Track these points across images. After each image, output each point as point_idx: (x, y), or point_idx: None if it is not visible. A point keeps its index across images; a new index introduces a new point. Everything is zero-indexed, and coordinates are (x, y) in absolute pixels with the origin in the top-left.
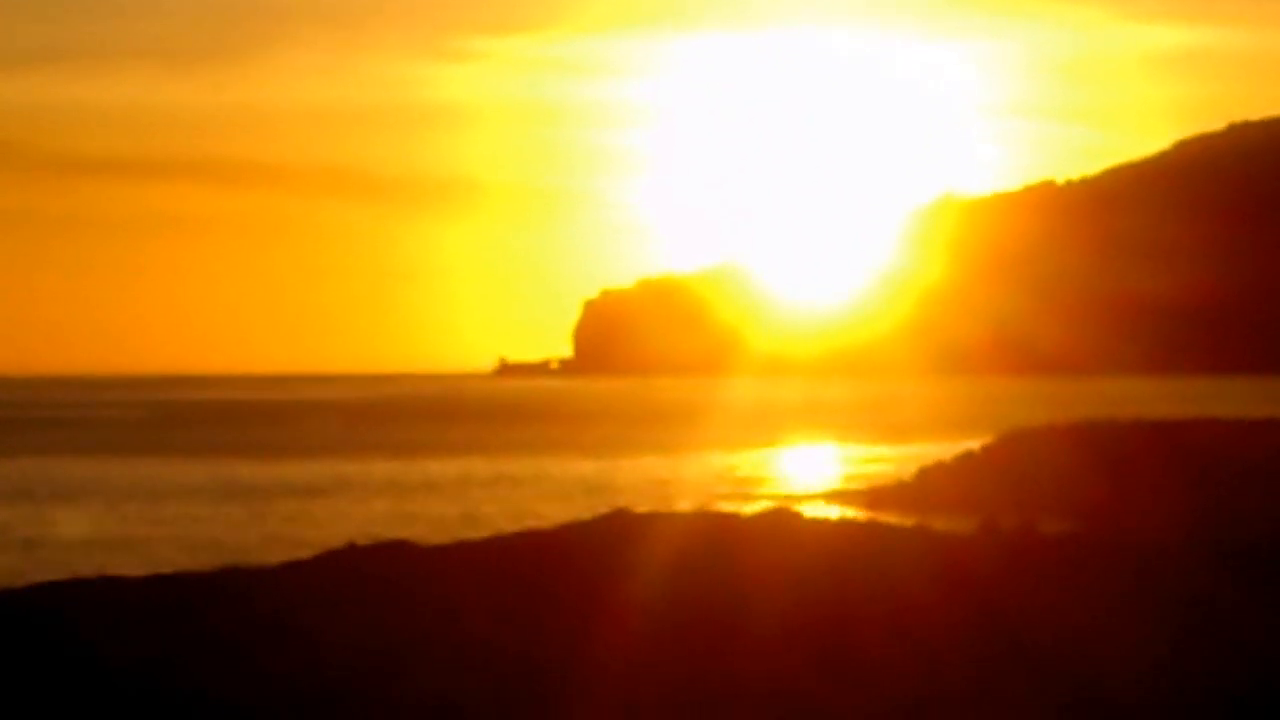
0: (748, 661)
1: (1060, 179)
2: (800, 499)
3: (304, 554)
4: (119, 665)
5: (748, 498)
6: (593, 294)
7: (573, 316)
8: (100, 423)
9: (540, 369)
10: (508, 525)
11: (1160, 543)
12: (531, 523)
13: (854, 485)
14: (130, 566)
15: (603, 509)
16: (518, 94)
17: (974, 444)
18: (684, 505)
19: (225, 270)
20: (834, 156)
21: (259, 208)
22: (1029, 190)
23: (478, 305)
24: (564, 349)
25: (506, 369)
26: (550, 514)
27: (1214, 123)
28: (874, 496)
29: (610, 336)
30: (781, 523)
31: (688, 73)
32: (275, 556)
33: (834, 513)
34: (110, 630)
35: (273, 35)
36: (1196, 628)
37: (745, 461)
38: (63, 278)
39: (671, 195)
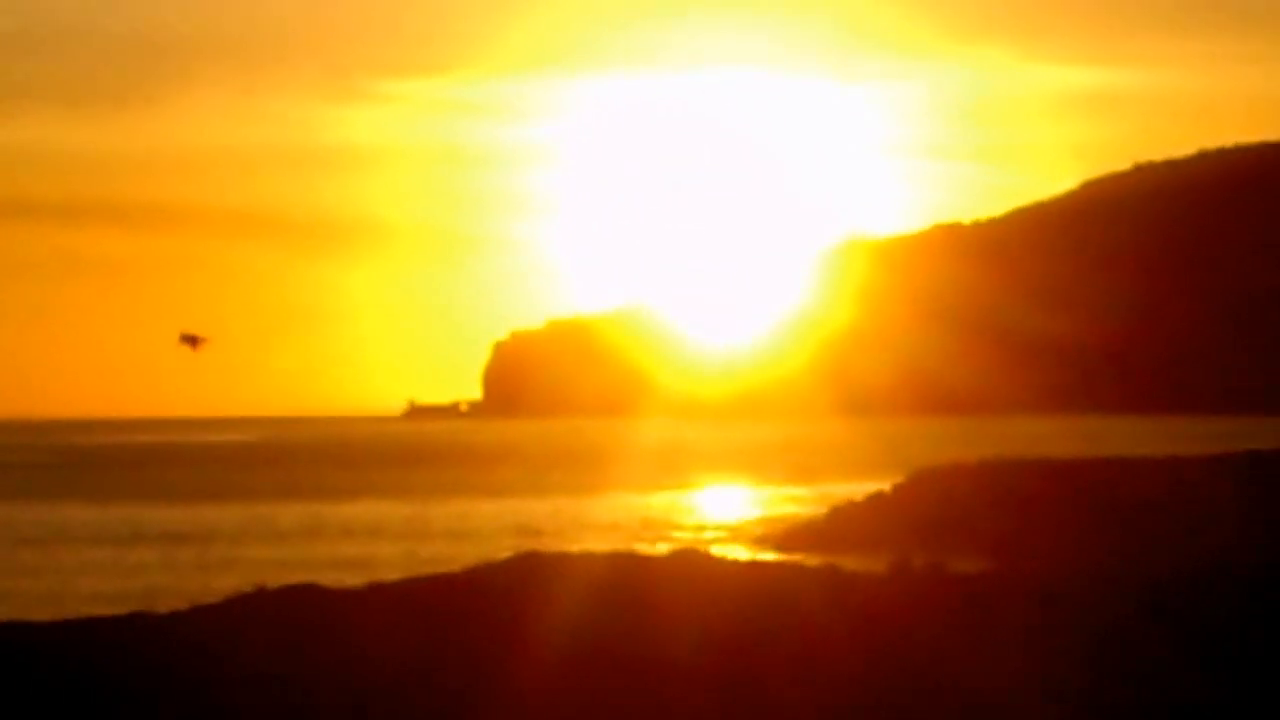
0: (656, 701)
1: (966, 219)
2: (711, 539)
3: (212, 599)
4: (25, 712)
5: (658, 538)
6: (502, 335)
7: (482, 358)
8: (5, 467)
9: (450, 411)
10: (418, 568)
11: (1066, 580)
12: (441, 566)
13: (765, 525)
14: (35, 612)
15: (512, 551)
16: (425, 136)
17: (884, 484)
18: (594, 546)
19: (133, 312)
20: (741, 197)
21: (165, 250)
22: (936, 230)
23: (387, 347)
24: (473, 391)
25: (416, 411)
26: (460, 556)
27: (1118, 163)
28: (785, 536)
29: (520, 378)
30: (692, 563)
31: (594, 114)
32: (183, 601)
33: (744, 553)
34: (16, 677)
35: (180, 77)
36: (1104, 663)
37: (656, 502)
38: None
39: (579, 236)
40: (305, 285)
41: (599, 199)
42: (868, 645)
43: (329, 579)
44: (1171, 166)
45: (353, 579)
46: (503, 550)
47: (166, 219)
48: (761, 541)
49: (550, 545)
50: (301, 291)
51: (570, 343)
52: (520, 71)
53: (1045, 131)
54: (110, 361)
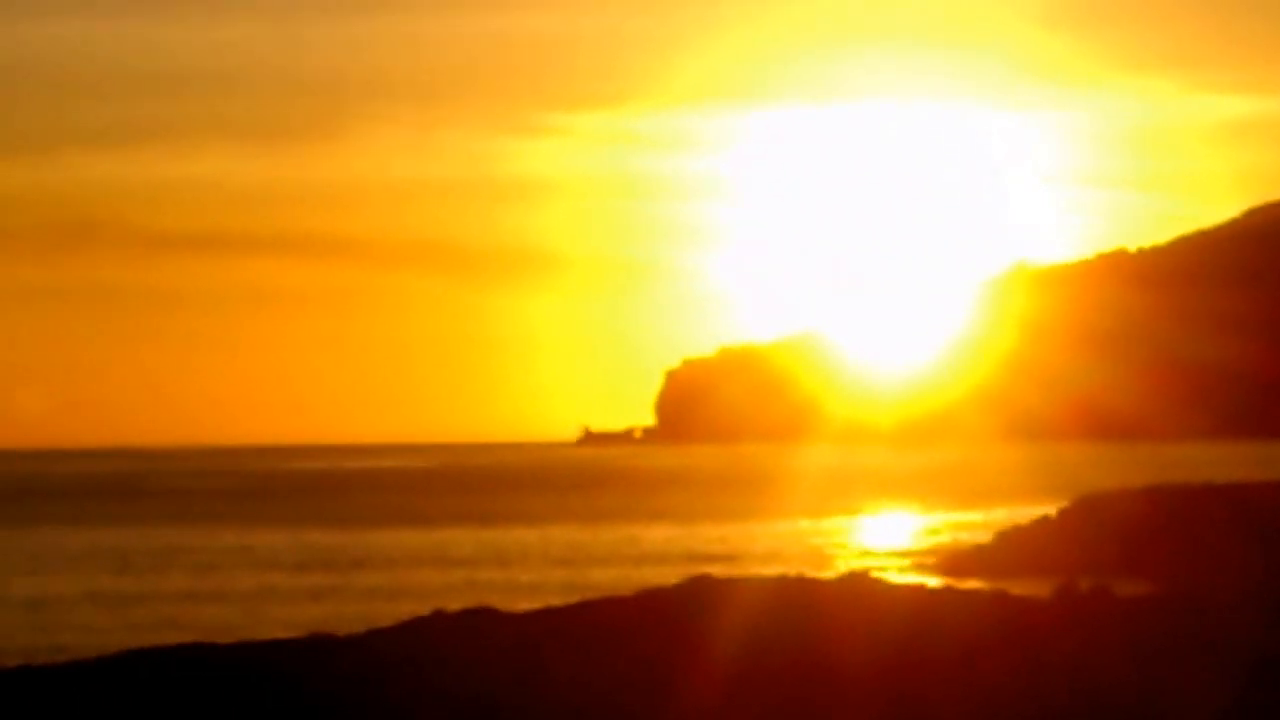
0: None
1: (1132, 247)
2: (878, 564)
3: (389, 623)
4: None
5: (827, 563)
6: (674, 363)
7: (655, 385)
8: (192, 493)
9: (623, 437)
10: (591, 592)
11: (1231, 603)
12: (613, 590)
13: (931, 550)
14: (218, 633)
15: (684, 574)
16: (597, 168)
17: (1050, 509)
18: (765, 570)
19: (314, 342)
20: (909, 227)
21: (345, 281)
22: (1101, 258)
23: (561, 375)
24: (646, 417)
25: (590, 437)
26: (633, 580)
27: None
28: (951, 561)
29: (691, 405)
30: (860, 588)
31: (764, 145)
32: (360, 625)
33: (912, 578)
34: (201, 698)
35: (359, 113)
36: (1267, 685)
37: (825, 527)
38: (155, 351)
39: (750, 266)
40: (481, 314)
41: (769, 228)
42: (1033, 667)
43: (504, 603)
44: None
45: (527, 603)
46: (674, 574)
47: (346, 250)
48: (929, 567)
49: (721, 569)
50: (477, 320)
51: (741, 370)
52: (690, 104)
53: (1209, 159)
54: (291, 390)
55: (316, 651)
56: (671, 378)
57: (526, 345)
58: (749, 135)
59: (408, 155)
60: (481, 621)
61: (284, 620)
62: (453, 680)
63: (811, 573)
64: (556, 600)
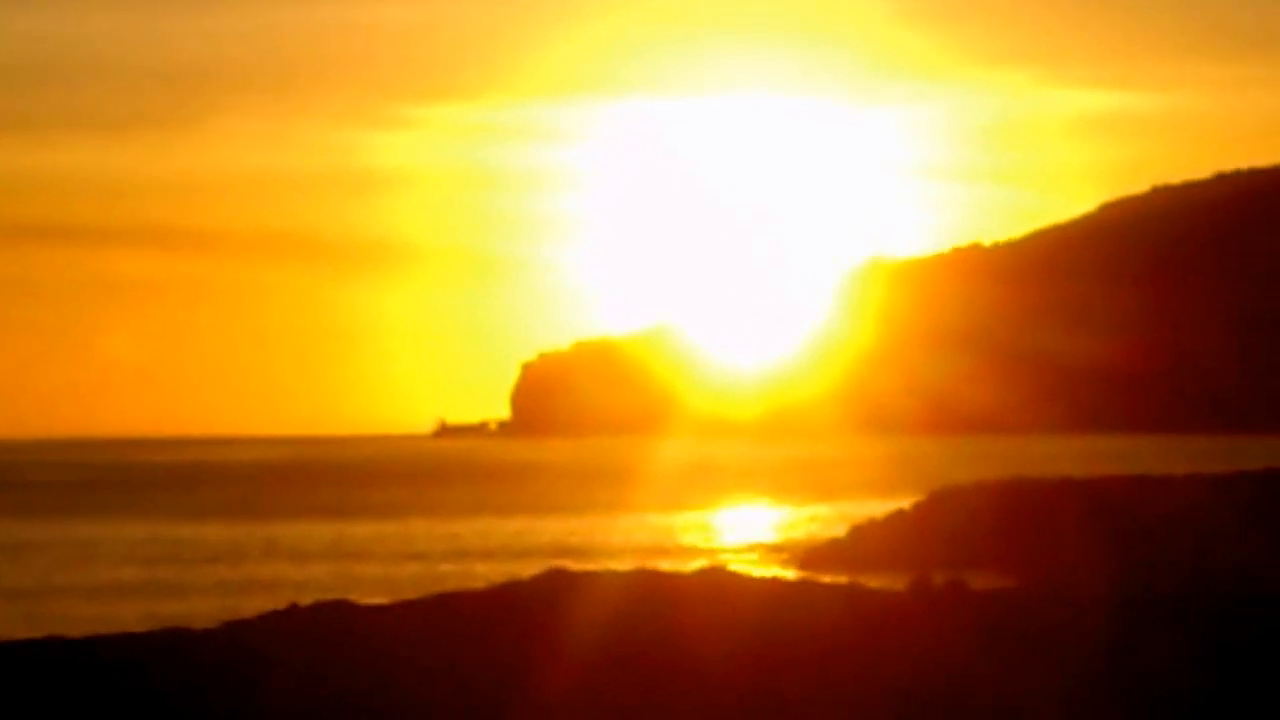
0: (679, 715)
1: (987, 241)
2: (735, 557)
3: (245, 615)
4: None
5: (683, 556)
6: (530, 356)
7: (510, 379)
8: (42, 485)
9: (479, 430)
10: (446, 585)
11: (1085, 596)
12: (470, 582)
13: (787, 544)
14: (69, 627)
15: (540, 568)
16: (453, 160)
17: (905, 502)
18: (620, 564)
19: (169, 334)
20: (765, 220)
21: (200, 272)
22: (956, 252)
23: (416, 368)
24: (502, 410)
25: (445, 430)
26: (488, 573)
27: (1137, 185)
28: (808, 555)
29: (548, 398)
30: (716, 581)
31: (620, 138)
32: (215, 620)
33: (768, 571)
34: (52, 691)
35: (213, 104)
36: (1121, 678)
37: (681, 521)
38: (7, 342)
39: (606, 258)
40: (337, 306)
41: (625, 221)
42: (889, 661)
43: (359, 597)
44: (1189, 188)
45: (382, 597)
46: (529, 568)
47: (200, 241)
48: (785, 560)
49: (577, 563)
50: (333, 312)
51: (597, 363)
52: (546, 96)
53: (1064, 154)
54: (146, 382)
55: (170, 645)
56: (527, 371)
57: (382, 338)
58: (605, 128)
59: (264, 146)
60: (336, 615)
61: (138, 614)
62: (307, 674)
63: (667, 566)
64: (411, 594)
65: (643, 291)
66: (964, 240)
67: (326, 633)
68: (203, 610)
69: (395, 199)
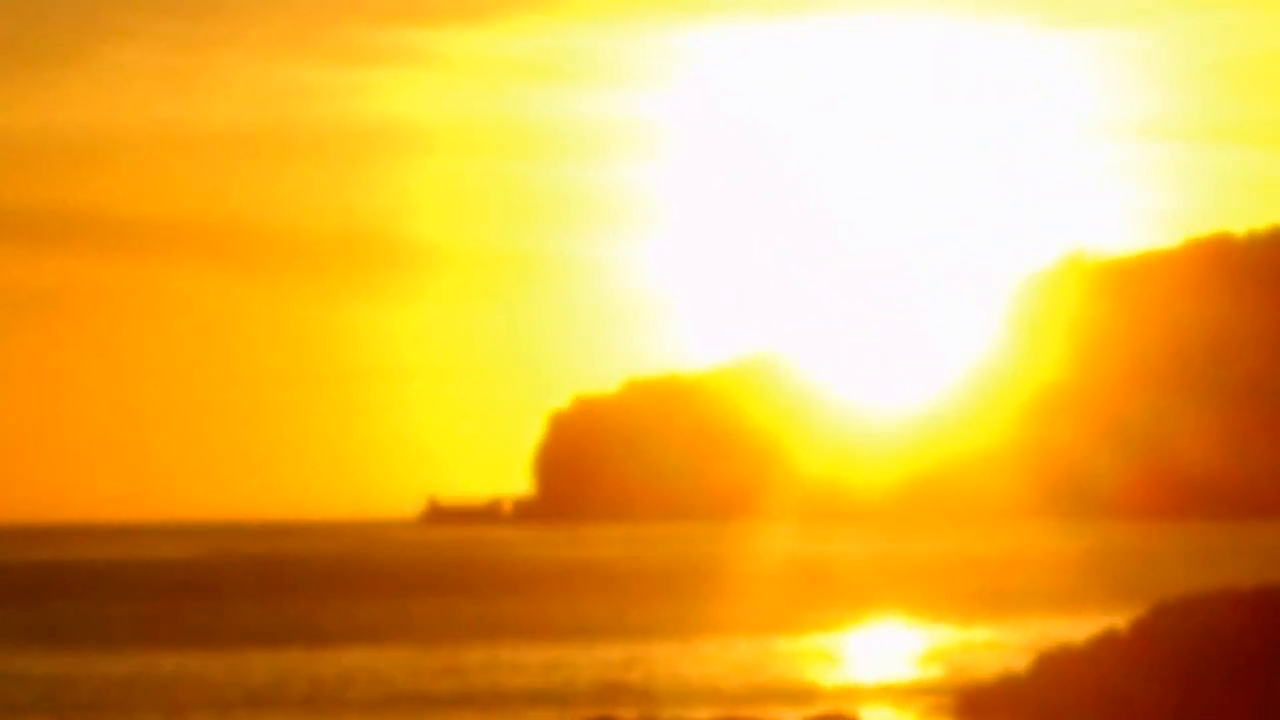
0: None
1: (1240, 229)
2: (866, 700)
3: None
4: None
5: (790, 700)
6: (562, 402)
7: (533, 435)
8: None
9: (486, 513)
10: None
11: None
12: None
13: (942, 682)
14: None
15: (579, 715)
16: (464, 111)
17: (1116, 619)
18: (698, 712)
19: (35, 372)
20: (908, 201)
21: (89, 279)
22: (1194, 246)
23: (399, 419)
24: (520, 483)
25: (439, 513)
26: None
27: None
28: (971, 698)
29: (586, 464)
30: None
31: (702, 78)
32: None
33: None
34: None
35: (101, 30)
36: None
37: (783, 649)
38: None
39: (678, 258)
40: (287, 330)
41: (706, 205)
42: None
43: None
44: None
45: None
46: (562, 717)
47: (78, 233)
48: (938, 706)
49: (633, 712)
50: (282, 340)
51: (660, 412)
52: (596, 19)
53: None
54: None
55: None
56: (557, 424)
57: (350, 378)
58: (681, 64)
59: (175, 91)
60: None
61: None
62: None
63: (770, 715)
64: None
65: (729, 307)
66: (1205, 228)
67: None
68: None
69: (376, 169)
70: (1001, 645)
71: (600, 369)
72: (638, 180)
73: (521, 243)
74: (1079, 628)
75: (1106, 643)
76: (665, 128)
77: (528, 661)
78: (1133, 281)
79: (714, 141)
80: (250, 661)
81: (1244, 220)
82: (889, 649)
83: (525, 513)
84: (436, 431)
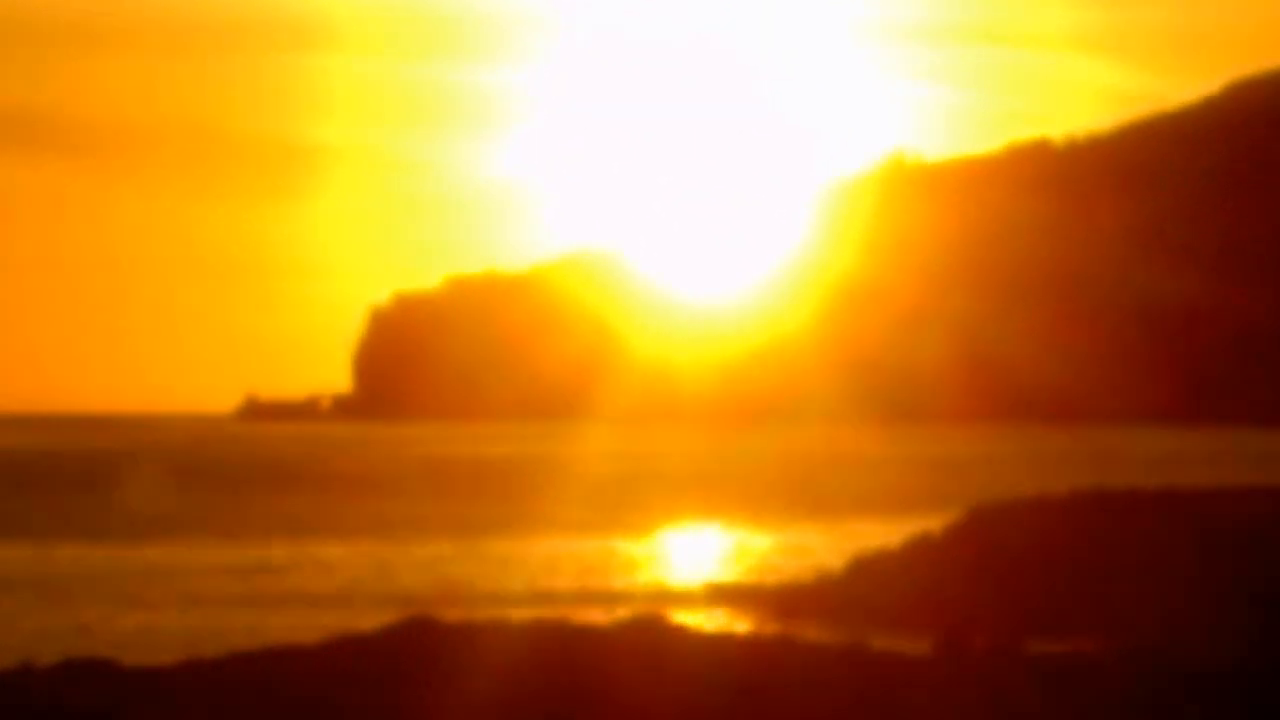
0: None
1: (1059, 136)
2: (679, 601)
3: None
4: None
5: (604, 600)
6: (382, 298)
7: (353, 332)
8: None
9: (304, 409)
10: (252, 638)
11: (1200, 666)
12: (289, 636)
13: (758, 584)
14: None
15: (395, 615)
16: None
17: (930, 523)
18: (513, 611)
19: None
20: (737, 101)
21: None
22: (1013, 152)
23: (214, 315)
24: (339, 380)
25: (256, 408)
26: (317, 622)
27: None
28: (786, 598)
29: (406, 362)
30: (651, 636)
31: None
32: None
33: (726, 624)
34: None
35: None
36: None
37: (602, 549)
38: None
39: (501, 150)
40: (99, 215)
41: (544, 108)
42: None
43: (124, 652)
44: None
45: (158, 654)
46: (381, 615)
47: None
48: (752, 604)
49: (449, 611)
50: (89, 225)
51: (483, 310)
52: None
53: (1177, 10)
54: None
55: None
56: (376, 321)
57: (163, 266)
58: None
59: None
60: (92, 679)
61: None
62: None
63: (582, 615)
64: (202, 650)
65: (553, 200)
66: (1025, 134)
67: (78, 704)
68: None
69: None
70: (817, 547)
71: (421, 265)
72: (463, 73)
73: (329, 131)
74: (894, 531)
75: (921, 546)
76: (529, 30)
77: (341, 558)
78: (953, 186)
79: (567, 45)
80: (55, 555)
81: (1063, 126)
82: (704, 551)
83: (344, 410)
84: (259, 328)
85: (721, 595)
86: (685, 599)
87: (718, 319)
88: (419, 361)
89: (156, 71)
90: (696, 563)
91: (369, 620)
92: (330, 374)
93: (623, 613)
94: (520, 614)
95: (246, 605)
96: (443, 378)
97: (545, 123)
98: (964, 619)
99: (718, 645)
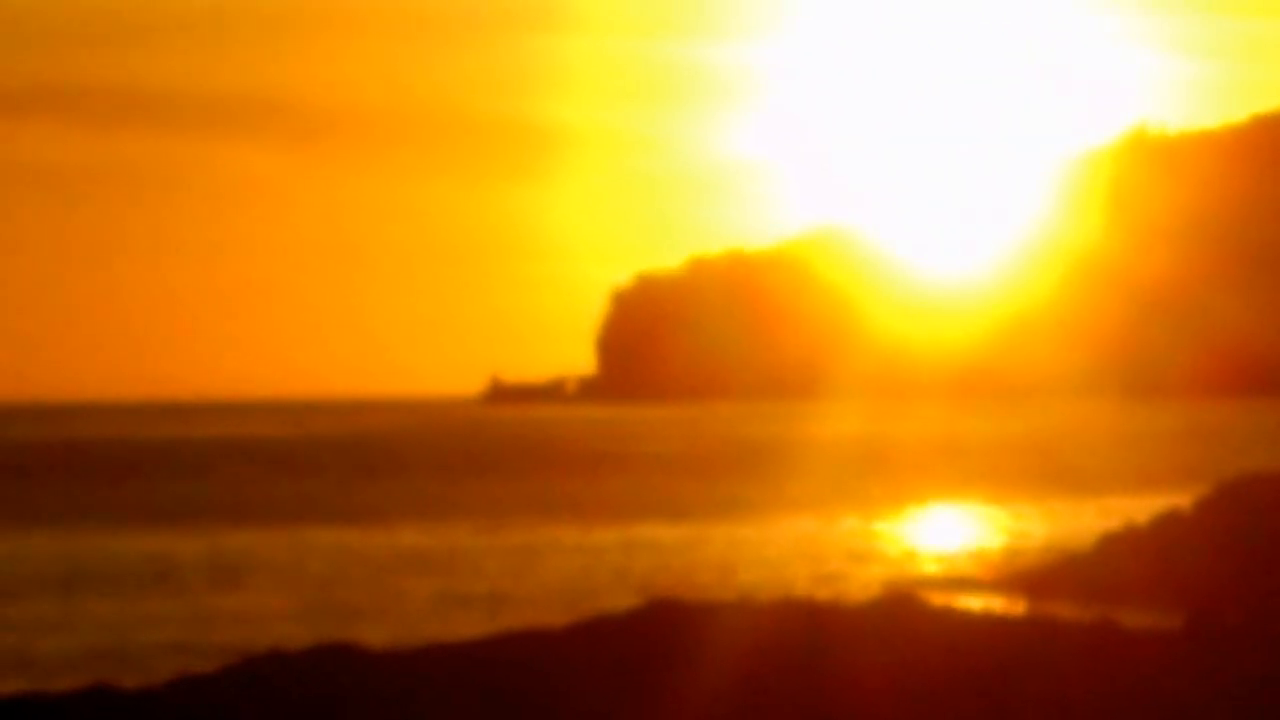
0: None
1: None
2: (929, 582)
3: (208, 665)
4: None
5: (853, 581)
6: (625, 280)
7: (596, 314)
8: None
9: (549, 391)
10: (500, 621)
11: None
12: (532, 619)
13: (1008, 563)
14: None
15: (638, 597)
16: None
17: (1181, 499)
18: (758, 592)
19: (93, 252)
20: (975, 75)
21: (135, 156)
22: (1258, 123)
23: (457, 298)
24: (583, 362)
25: (501, 391)
26: (565, 604)
27: None
28: (1035, 578)
29: (649, 343)
30: (902, 616)
31: None
32: (167, 668)
33: (977, 602)
34: None
35: None
36: None
37: (849, 528)
38: None
39: (743, 127)
40: (338, 205)
41: (791, 87)
42: None
43: (371, 636)
44: None
45: (405, 637)
46: (625, 596)
47: (137, 110)
48: (1001, 584)
49: (692, 590)
50: (334, 214)
51: (724, 289)
52: None
53: None
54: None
55: (93, 710)
56: (620, 303)
57: (410, 260)
58: None
59: None
60: (337, 662)
61: (62, 658)
62: None
63: (830, 595)
64: (448, 634)
65: (797, 180)
66: (1269, 105)
67: (321, 690)
68: (147, 658)
69: (427, 43)
70: (1066, 525)
71: (663, 246)
72: (697, 57)
73: (567, 113)
74: (1142, 507)
75: (1170, 522)
76: (769, 7)
77: (589, 541)
78: (1197, 159)
79: (808, 22)
80: (311, 539)
81: None
82: (952, 529)
83: (589, 392)
84: (504, 312)
85: (970, 574)
86: (934, 578)
87: (959, 295)
88: (662, 342)
89: (393, 54)
90: (944, 541)
91: (613, 602)
92: (574, 355)
93: (871, 592)
94: (762, 595)
95: (494, 580)
96: (686, 358)
97: (786, 99)
98: (1216, 594)
99: (970, 624)
